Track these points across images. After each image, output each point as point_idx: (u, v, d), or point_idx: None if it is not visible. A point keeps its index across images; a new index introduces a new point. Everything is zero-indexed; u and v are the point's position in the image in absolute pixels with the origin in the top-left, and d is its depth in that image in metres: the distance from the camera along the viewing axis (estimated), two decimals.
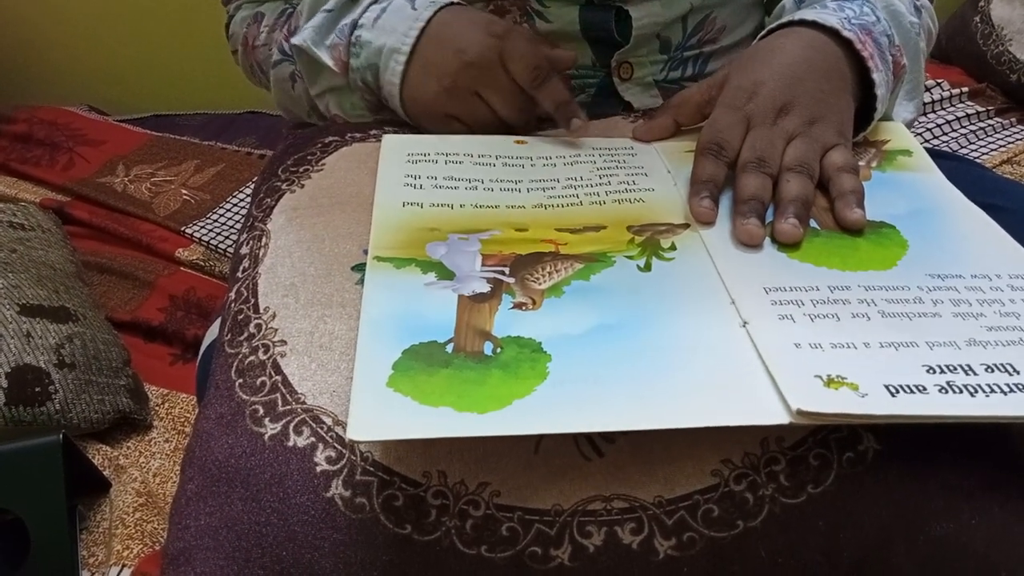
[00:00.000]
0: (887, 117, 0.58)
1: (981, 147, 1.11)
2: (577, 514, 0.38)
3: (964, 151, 1.10)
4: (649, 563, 0.38)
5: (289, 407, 0.41)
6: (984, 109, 1.17)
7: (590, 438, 0.39)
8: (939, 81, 1.21)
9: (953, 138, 1.13)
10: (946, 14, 1.34)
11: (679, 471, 0.39)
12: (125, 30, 1.40)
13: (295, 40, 0.61)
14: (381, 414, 0.36)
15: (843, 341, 0.39)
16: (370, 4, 0.59)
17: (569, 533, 0.38)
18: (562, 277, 0.44)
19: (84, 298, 0.87)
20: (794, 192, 0.46)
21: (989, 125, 1.15)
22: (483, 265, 0.45)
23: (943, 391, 0.36)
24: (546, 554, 0.38)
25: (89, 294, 0.91)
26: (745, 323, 0.40)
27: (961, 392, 0.36)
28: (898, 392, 0.36)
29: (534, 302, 0.42)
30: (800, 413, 0.35)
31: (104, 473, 0.72)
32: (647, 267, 0.45)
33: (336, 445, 0.40)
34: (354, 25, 0.59)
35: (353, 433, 0.34)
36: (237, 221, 1.07)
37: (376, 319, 0.41)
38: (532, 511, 0.38)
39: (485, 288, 0.43)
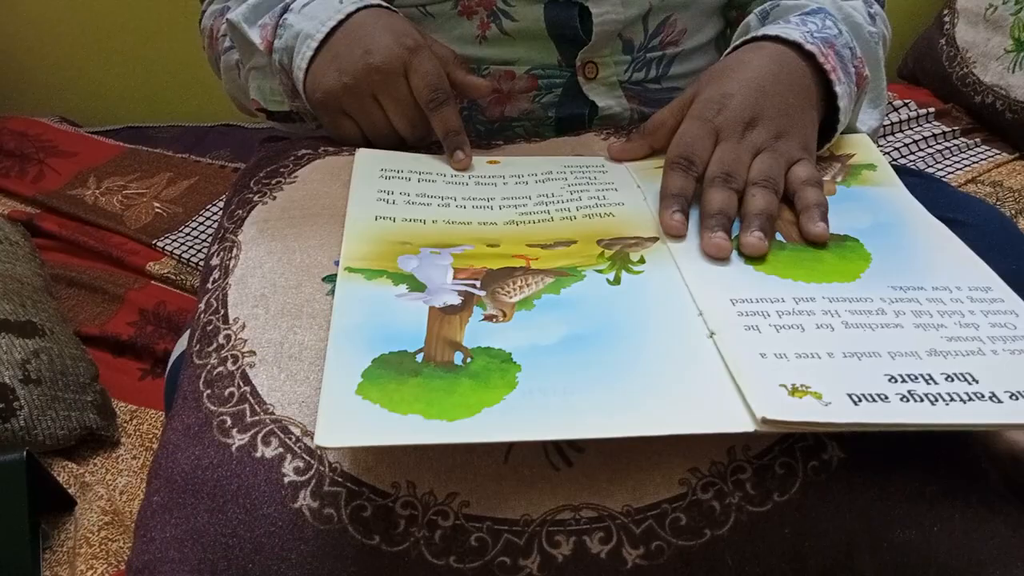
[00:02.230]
0: (851, 127, 0.59)
1: (947, 166, 1.14)
2: (546, 524, 0.38)
3: (930, 170, 1.12)
4: (617, 572, 0.38)
5: (257, 418, 0.41)
6: (950, 129, 1.20)
7: (559, 447, 0.39)
8: (906, 101, 1.23)
9: (920, 157, 1.15)
10: (913, 36, 1.37)
11: (647, 480, 0.39)
12: (98, 41, 1.39)
13: (229, 15, 0.62)
14: (349, 421, 0.36)
15: (807, 351, 0.39)
16: None
17: (538, 543, 0.38)
18: (533, 291, 0.44)
19: (52, 312, 0.86)
20: (759, 206, 0.47)
21: (955, 145, 1.17)
22: (454, 278, 0.45)
23: (904, 400, 0.37)
24: (515, 564, 0.38)
25: (57, 308, 0.89)
26: (712, 334, 0.41)
27: (922, 400, 0.37)
28: (861, 400, 0.36)
29: (504, 315, 0.43)
30: (765, 421, 0.35)
31: (69, 491, 0.70)
32: (617, 280, 0.45)
33: (304, 456, 0.39)
34: (285, 8, 0.60)
35: (321, 439, 0.34)
36: (210, 234, 1.06)
37: (346, 328, 0.41)
38: (501, 521, 0.38)
39: (456, 300, 0.43)
